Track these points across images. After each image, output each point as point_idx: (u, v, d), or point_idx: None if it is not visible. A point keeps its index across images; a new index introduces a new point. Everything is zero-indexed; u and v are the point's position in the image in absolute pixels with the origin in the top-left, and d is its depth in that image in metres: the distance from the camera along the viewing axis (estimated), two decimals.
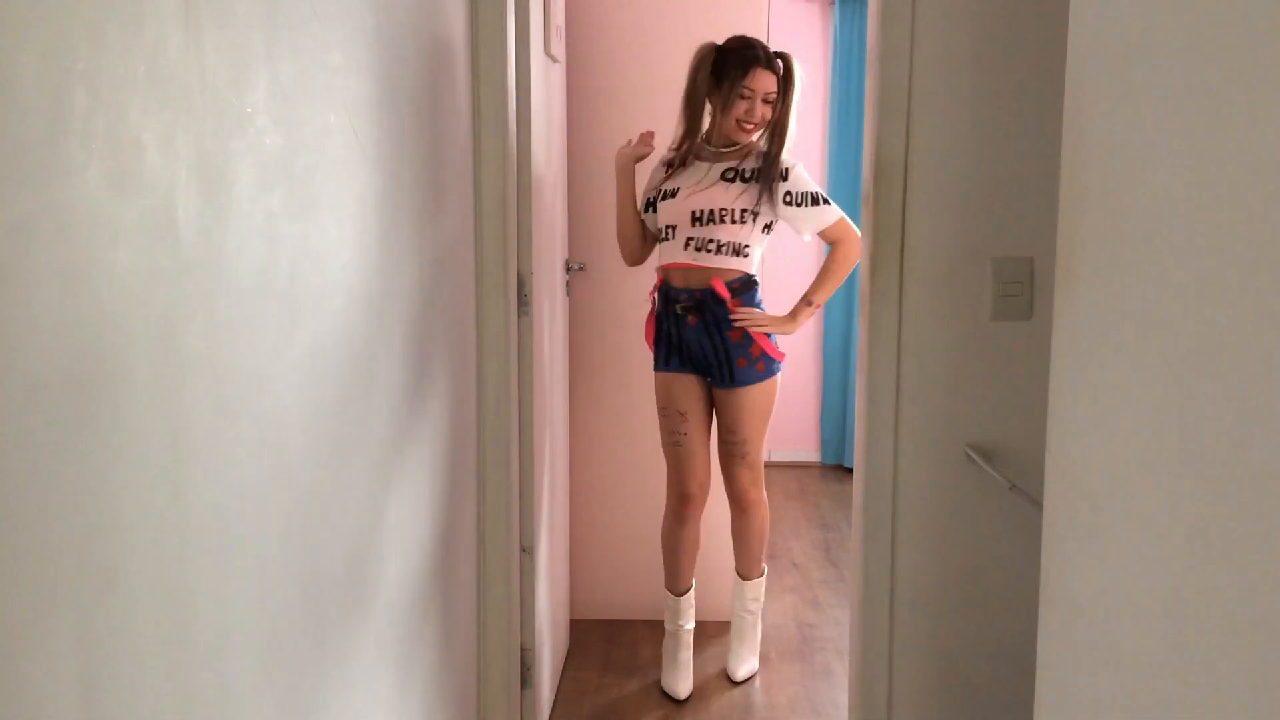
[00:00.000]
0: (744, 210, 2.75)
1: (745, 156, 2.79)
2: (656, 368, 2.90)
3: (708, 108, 2.80)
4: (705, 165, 2.81)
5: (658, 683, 3.02)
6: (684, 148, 2.82)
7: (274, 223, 1.08)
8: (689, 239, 2.77)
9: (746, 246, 2.78)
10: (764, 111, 2.74)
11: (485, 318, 2.12)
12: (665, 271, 2.84)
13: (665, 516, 2.98)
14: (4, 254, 0.66)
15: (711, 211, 2.74)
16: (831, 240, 2.82)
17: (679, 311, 2.81)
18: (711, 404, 2.91)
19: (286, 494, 1.13)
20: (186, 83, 0.89)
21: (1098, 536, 1.03)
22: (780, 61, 2.75)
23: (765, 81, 2.72)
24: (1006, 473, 1.97)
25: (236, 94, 0.98)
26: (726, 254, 2.77)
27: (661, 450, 2.98)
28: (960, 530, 2.06)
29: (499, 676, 2.21)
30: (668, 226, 2.81)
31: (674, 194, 2.80)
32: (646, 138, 2.84)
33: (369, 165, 1.39)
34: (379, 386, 1.46)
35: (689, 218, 2.77)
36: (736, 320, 2.77)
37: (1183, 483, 0.86)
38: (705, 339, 2.80)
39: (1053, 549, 1.15)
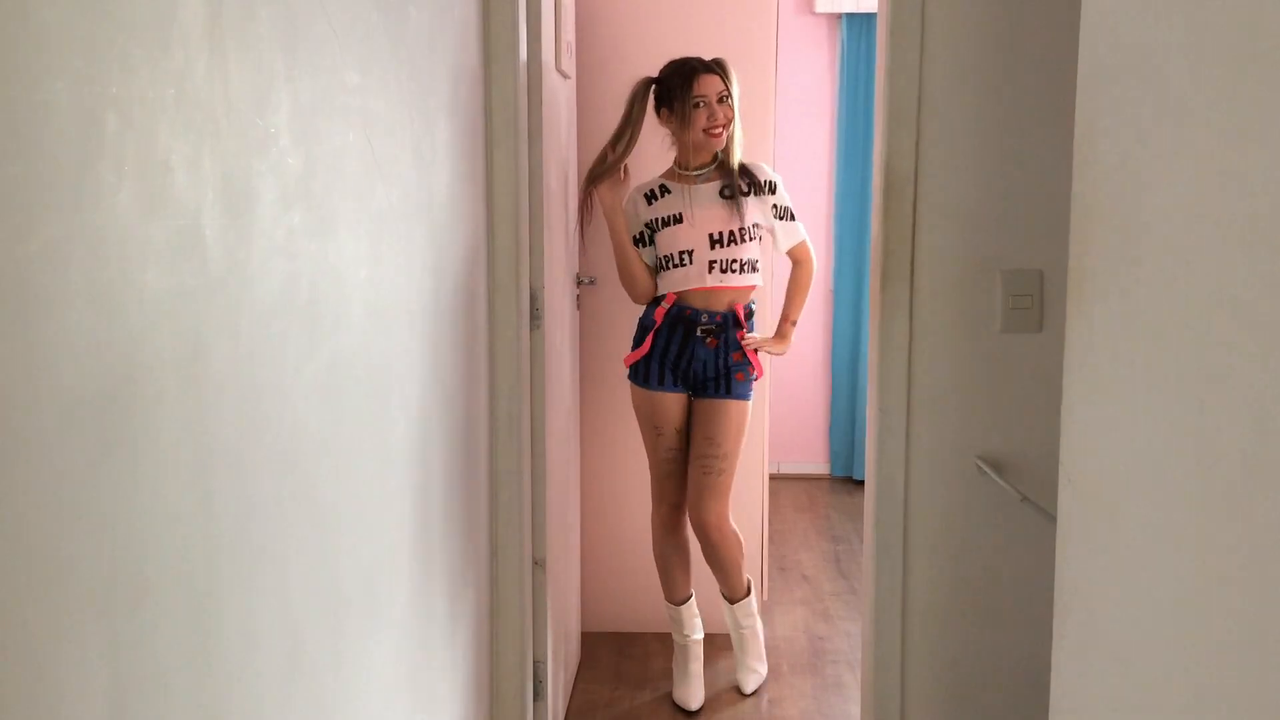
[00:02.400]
0: (755, 225, 2.82)
1: (726, 172, 2.82)
2: (646, 386, 2.90)
3: (665, 135, 2.85)
4: (692, 188, 2.83)
5: (669, 695, 3.02)
6: (617, 162, 2.78)
7: (294, 240, 1.09)
8: (712, 262, 2.80)
9: (758, 261, 2.86)
10: (724, 111, 2.78)
11: (497, 331, 2.13)
12: (683, 295, 2.84)
13: (655, 528, 3.00)
14: (38, 276, 0.68)
15: (732, 232, 2.79)
16: (797, 259, 2.94)
17: (700, 334, 2.83)
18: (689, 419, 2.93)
19: (306, 507, 1.14)
20: (212, 105, 0.91)
21: (1111, 549, 1.04)
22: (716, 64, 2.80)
23: (711, 84, 2.76)
24: (1018, 485, 1.98)
25: (260, 115, 1.00)
26: (748, 272, 2.83)
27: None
28: (972, 542, 2.06)
29: (511, 689, 2.22)
30: (681, 253, 2.81)
31: (678, 219, 2.81)
32: (612, 165, 2.80)
33: (385, 182, 1.41)
34: (394, 400, 1.47)
35: (707, 241, 2.79)
36: (746, 344, 2.84)
37: (1196, 495, 0.86)
38: (713, 357, 2.84)
39: (1066, 561, 1.15)
